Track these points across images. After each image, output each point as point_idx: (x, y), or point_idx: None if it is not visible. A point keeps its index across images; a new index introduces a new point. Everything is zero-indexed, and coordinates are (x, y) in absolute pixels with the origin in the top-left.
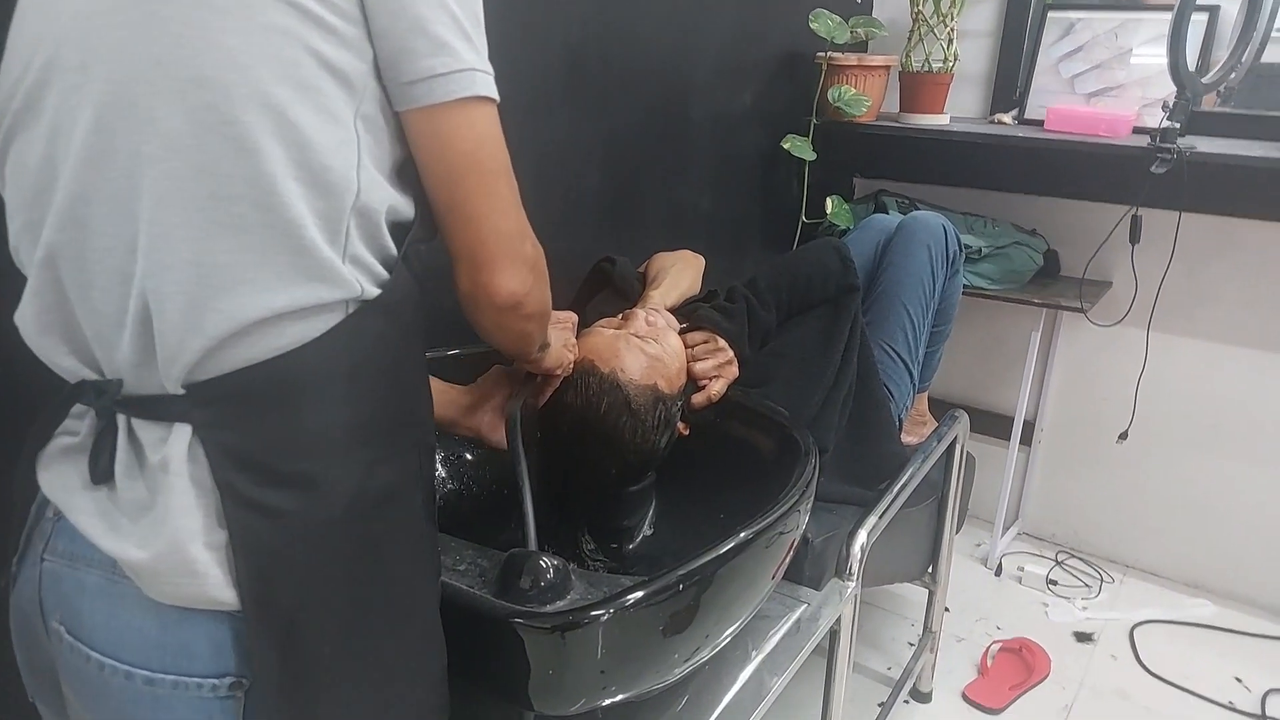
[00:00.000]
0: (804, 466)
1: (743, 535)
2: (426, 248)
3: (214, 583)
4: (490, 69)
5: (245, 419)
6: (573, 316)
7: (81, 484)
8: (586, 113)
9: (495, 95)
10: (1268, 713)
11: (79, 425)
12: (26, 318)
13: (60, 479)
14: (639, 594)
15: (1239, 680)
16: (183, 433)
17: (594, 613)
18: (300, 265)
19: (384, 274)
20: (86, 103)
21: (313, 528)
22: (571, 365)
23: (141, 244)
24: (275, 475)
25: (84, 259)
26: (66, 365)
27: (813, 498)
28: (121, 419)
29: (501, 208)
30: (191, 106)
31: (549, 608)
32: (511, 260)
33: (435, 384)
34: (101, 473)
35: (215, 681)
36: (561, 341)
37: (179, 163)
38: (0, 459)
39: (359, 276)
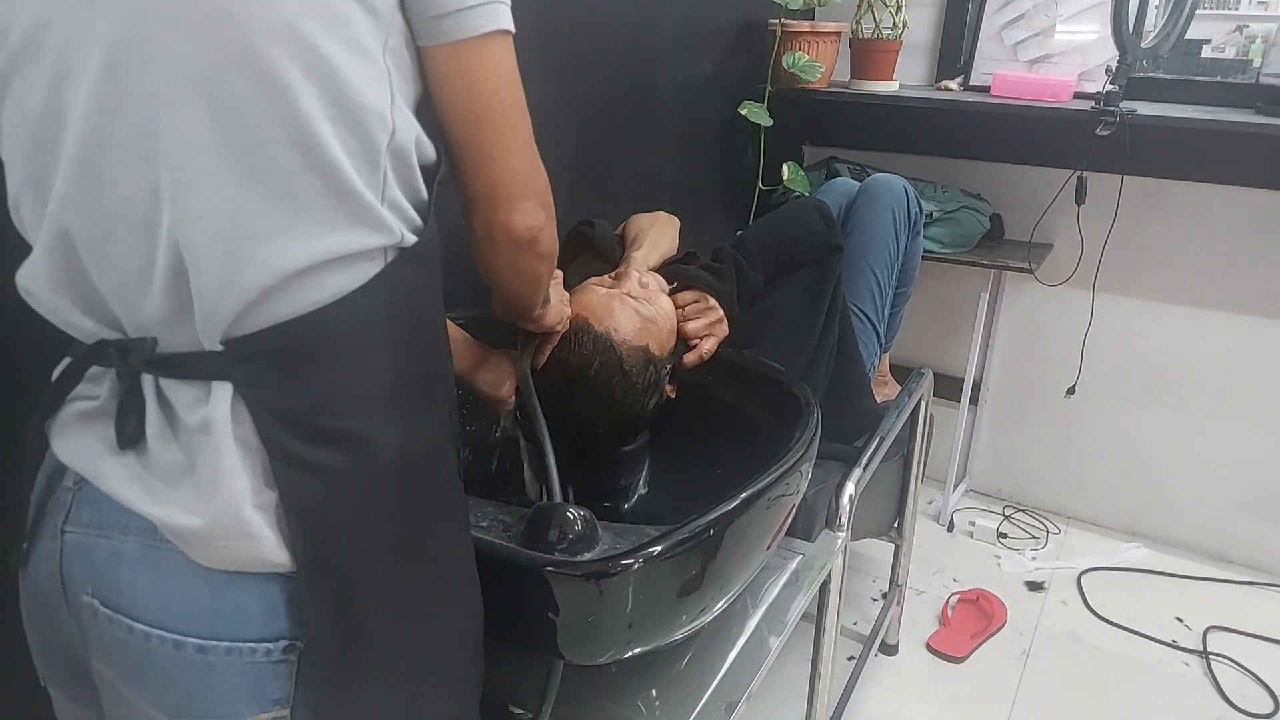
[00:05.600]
0: (807, 419)
1: (763, 482)
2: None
3: (268, 544)
4: None
5: (288, 375)
6: (559, 272)
7: (107, 449)
8: (560, 82)
9: (513, 27)
10: (1209, 648)
11: (96, 389)
12: (36, 277)
13: (81, 446)
14: (669, 542)
15: (1180, 620)
16: (224, 391)
17: (625, 561)
18: (341, 210)
19: (418, 219)
20: (94, 41)
21: (363, 485)
22: (568, 321)
23: (166, 192)
24: (322, 432)
25: (100, 211)
26: (83, 326)
27: (816, 450)
28: (148, 379)
29: (518, 146)
30: (214, 42)
31: (582, 556)
32: (527, 195)
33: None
34: (130, 437)
35: (270, 645)
36: (559, 297)
37: (201, 104)
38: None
39: (397, 222)
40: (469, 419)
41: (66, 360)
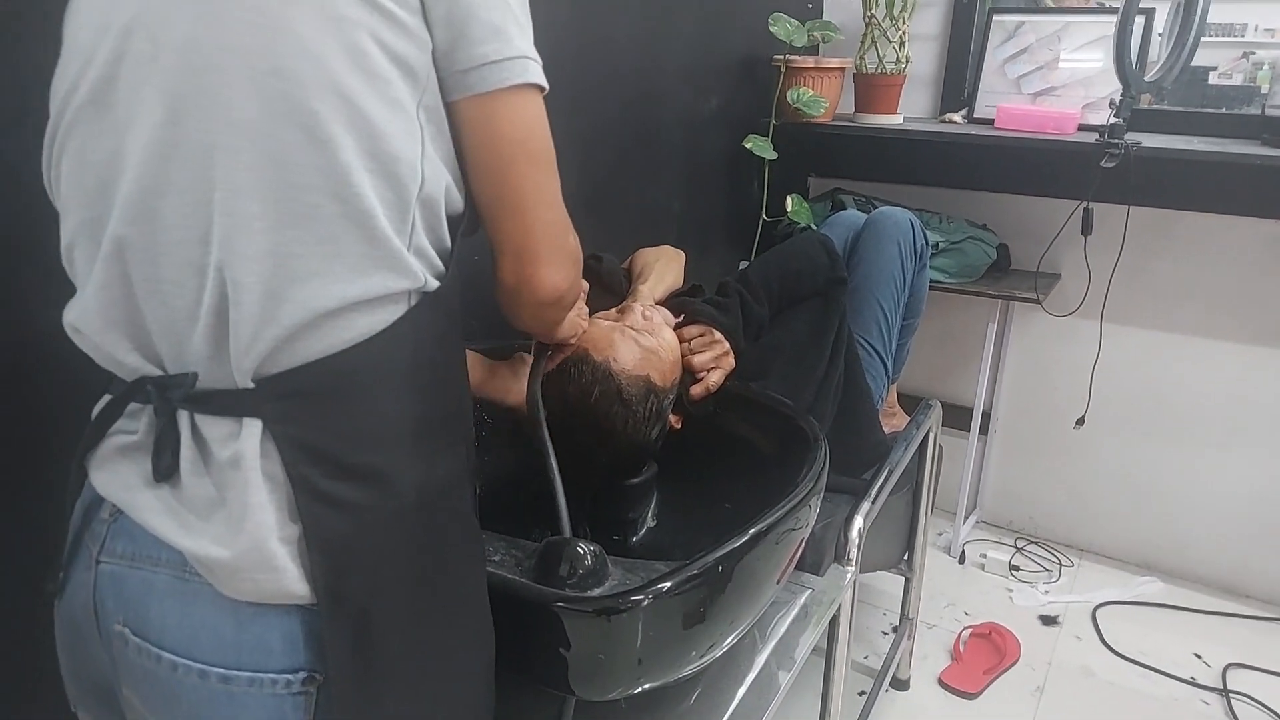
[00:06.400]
0: (815, 453)
1: (772, 517)
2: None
3: (290, 577)
4: (539, 58)
5: (315, 412)
6: (583, 284)
7: (143, 482)
8: (566, 117)
9: (545, 84)
10: (1229, 686)
11: (135, 424)
12: (89, 315)
13: (118, 478)
14: (678, 578)
15: (1198, 656)
16: (254, 428)
17: (634, 597)
18: (372, 255)
19: (440, 265)
20: (158, 94)
21: (384, 519)
22: (584, 331)
23: (216, 235)
24: (346, 468)
25: (154, 252)
26: (129, 362)
27: (824, 484)
28: (184, 415)
29: (548, 199)
30: (267, 96)
31: (592, 592)
32: (557, 253)
33: None
34: (165, 470)
35: (289, 677)
36: (575, 310)
37: (254, 153)
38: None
39: (421, 267)
40: (484, 453)
41: (107, 397)
